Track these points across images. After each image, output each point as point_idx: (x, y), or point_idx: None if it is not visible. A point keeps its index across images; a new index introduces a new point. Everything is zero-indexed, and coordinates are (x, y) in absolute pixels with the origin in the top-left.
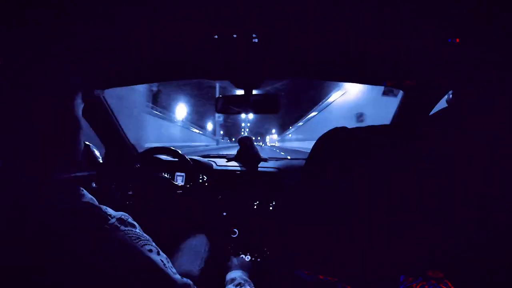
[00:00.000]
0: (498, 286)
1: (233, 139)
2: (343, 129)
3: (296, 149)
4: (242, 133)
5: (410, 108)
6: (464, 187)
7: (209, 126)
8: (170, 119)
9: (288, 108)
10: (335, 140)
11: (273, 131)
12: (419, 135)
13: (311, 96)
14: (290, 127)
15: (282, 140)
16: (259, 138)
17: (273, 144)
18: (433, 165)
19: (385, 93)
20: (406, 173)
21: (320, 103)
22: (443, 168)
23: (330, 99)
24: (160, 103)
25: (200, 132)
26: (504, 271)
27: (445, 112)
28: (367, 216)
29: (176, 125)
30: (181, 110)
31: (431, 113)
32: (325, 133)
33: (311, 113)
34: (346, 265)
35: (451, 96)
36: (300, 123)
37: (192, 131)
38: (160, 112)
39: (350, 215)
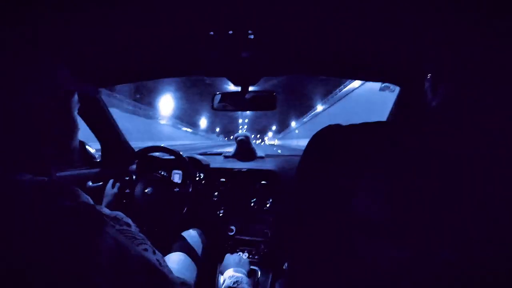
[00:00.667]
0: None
1: (231, 137)
2: (337, 127)
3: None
4: (240, 130)
5: (408, 104)
6: (464, 188)
7: (203, 123)
8: (147, 115)
9: (289, 103)
10: (329, 140)
11: (273, 127)
12: (418, 136)
13: (318, 88)
14: (293, 124)
15: (283, 138)
16: (258, 136)
17: (272, 142)
18: (433, 166)
19: (382, 89)
20: (405, 173)
21: (334, 93)
22: (443, 169)
23: (354, 84)
24: (140, 98)
25: (190, 130)
26: (504, 272)
27: (444, 111)
28: (364, 218)
29: (155, 122)
30: (165, 106)
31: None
32: (318, 132)
33: (318, 106)
34: (344, 268)
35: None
36: (306, 119)
37: (180, 129)
38: (134, 107)
39: (347, 216)
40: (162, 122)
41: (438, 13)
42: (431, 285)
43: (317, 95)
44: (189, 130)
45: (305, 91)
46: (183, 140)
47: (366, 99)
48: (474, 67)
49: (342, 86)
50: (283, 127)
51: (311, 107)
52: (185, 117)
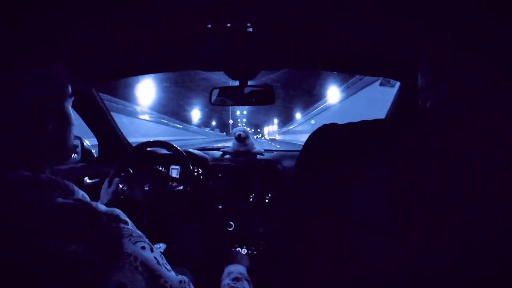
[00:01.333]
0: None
1: (230, 132)
2: (334, 126)
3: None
4: (239, 124)
5: (408, 100)
6: (464, 188)
7: (196, 117)
8: (118, 109)
9: (292, 95)
10: (327, 138)
11: (275, 121)
12: (418, 136)
13: (327, 79)
14: (297, 117)
15: (288, 132)
16: (258, 130)
17: (273, 137)
18: (433, 166)
19: (382, 84)
20: (405, 173)
21: (349, 82)
22: (443, 169)
23: None
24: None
25: (179, 126)
26: (504, 272)
27: (444, 111)
28: (364, 217)
29: (130, 118)
30: (146, 99)
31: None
32: (315, 130)
33: (330, 97)
34: (344, 267)
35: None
36: (316, 110)
37: (162, 125)
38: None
39: (347, 215)
40: (143, 117)
41: (438, 13)
42: (431, 285)
43: (329, 83)
44: (179, 126)
45: (309, 84)
46: (164, 137)
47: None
48: (474, 67)
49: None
50: (286, 120)
51: (321, 97)
52: (173, 111)
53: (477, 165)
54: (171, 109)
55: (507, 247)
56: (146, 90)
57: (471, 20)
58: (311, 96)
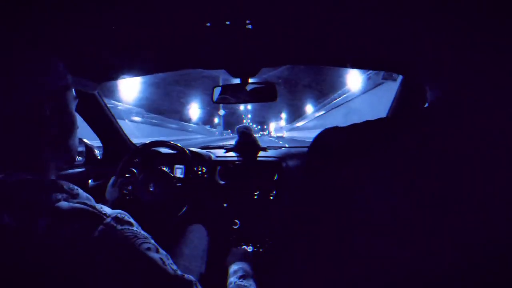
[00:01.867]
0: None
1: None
2: (335, 129)
3: None
4: (243, 121)
5: (409, 95)
6: (464, 188)
7: (194, 116)
8: None
9: (301, 90)
10: (329, 142)
11: (282, 115)
12: (418, 136)
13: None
14: (310, 111)
15: (298, 129)
16: (265, 126)
17: (280, 134)
18: (433, 166)
19: (384, 78)
20: (405, 173)
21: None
22: (443, 169)
23: None
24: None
25: (176, 126)
26: (504, 272)
27: (444, 111)
28: (365, 218)
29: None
30: (133, 94)
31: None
32: (319, 134)
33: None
34: (345, 267)
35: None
36: (334, 102)
37: (152, 126)
38: None
39: (348, 216)
40: (136, 119)
41: (438, 13)
42: (431, 285)
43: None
44: (174, 125)
45: (325, 72)
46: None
47: None
48: (474, 67)
49: None
50: (295, 116)
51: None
52: (172, 110)
53: (477, 165)
54: (169, 108)
55: (507, 247)
56: (135, 86)
57: (471, 20)
58: (326, 88)
